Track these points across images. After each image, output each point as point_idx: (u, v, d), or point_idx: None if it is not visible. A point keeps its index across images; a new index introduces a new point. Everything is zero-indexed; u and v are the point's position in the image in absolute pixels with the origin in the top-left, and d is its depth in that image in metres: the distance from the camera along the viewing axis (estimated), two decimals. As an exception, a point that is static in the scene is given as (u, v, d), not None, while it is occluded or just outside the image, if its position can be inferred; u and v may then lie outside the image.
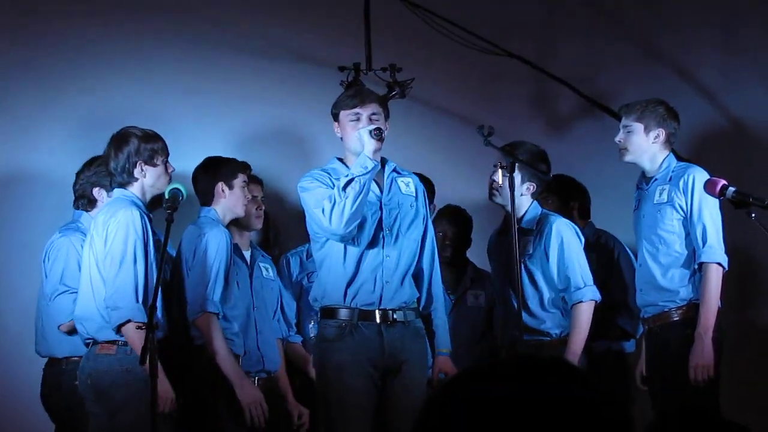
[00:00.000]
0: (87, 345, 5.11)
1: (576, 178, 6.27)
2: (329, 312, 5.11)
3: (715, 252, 5.30)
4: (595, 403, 1.81)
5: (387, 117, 5.17)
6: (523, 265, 5.37)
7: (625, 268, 6.04)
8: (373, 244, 5.11)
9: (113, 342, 5.00)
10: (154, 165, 5.19)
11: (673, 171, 5.44)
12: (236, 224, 5.61)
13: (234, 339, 5.35)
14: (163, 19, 6.41)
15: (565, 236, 5.46)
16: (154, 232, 5.14)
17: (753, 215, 5.03)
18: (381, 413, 5.08)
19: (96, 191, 5.56)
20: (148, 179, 5.18)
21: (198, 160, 5.67)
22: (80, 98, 6.25)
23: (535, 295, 5.46)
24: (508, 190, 5.34)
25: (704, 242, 5.30)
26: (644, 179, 5.53)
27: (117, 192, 5.20)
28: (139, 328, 4.86)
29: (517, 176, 5.34)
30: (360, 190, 4.95)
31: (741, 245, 6.14)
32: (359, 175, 4.96)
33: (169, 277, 5.40)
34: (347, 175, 5.00)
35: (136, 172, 5.17)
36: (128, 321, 4.92)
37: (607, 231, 6.19)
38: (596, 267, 5.82)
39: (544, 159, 5.55)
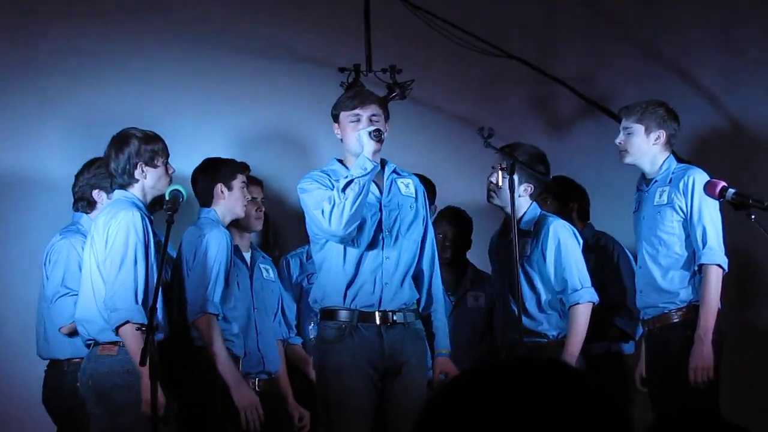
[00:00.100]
0: (88, 347, 5.11)
1: (575, 180, 6.27)
2: (329, 313, 5.11)
3: (715, 254, 5.30)
4: (594, 405, 1.81)
5: (387, 118, 5.17)
6: (520, 267, 5.37)
7: (624, 269, 6.04)
8: (372, 245, 5.10)
9: (114, 343, 5.00)
10: (155, 166, 5.19)
11: (673, 172, 5.44)
12: (236, 226, 5.61)
13: (234, 340, 5.35)
14: (162, 20, 6.41)
15: (562, 238, 5.46)
16: (154, 233, 5.14)
17: (753, 217, 5.03)
18: (381, 415, 5.08)
19: (95, 193, 5.56)
20: (148, 180, 5.18)
21: (198, 161, 5.67)
22: (80, 99, 6.25)
23: (533, 296, 5.46)
24: (506, 191, 5.34)
25: (704, 244, 5.30)
26: (644, 181, 5.53)
27: (117, 193, 5.20)
28: (138, 329, 4.85)
29: (515, 177, 5.34)
30: (359, 191, 4.95)
31: (741, 247, 6.14)
32: (359, 177, 4.95)
33: (169, 279, 5.40)
34: (347, 177, 5.00)
35: (137, 174, 5.16)
36: (127, 322, 4.92)
37: (606, 233, 6.19)
38: (595, 269, 5.82)
39: (542, 160, 5.55)
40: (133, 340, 4.87)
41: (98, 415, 5.04)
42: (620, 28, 6.93)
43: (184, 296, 5.29)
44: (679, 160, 5.55)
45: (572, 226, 5.61)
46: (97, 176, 5.52)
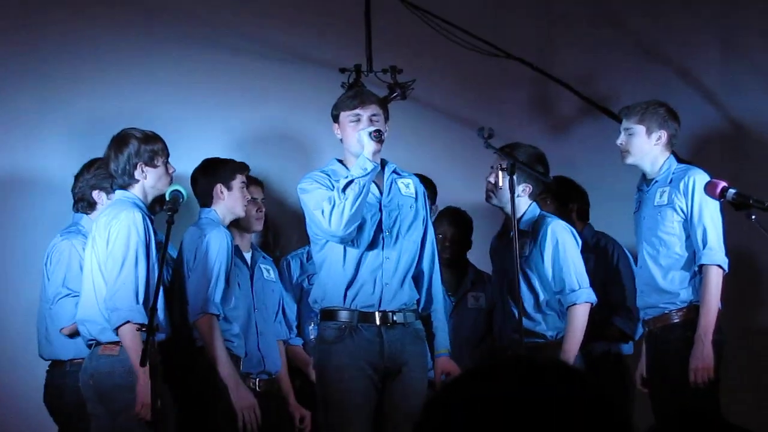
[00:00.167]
0: (89, 347, 5.11)
1: (575, 180, 6.27)
2: (329, 314, 5.11)
3: (716, 254, 5.30)
4: (594, 405, 1.81)
5: (387, 119, 5.17)
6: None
7: (624, 270, 6.04)
8: (372, 245, 5.10)
9: (116, 343, 5.00)
10: (155, 166, 5.19)
11: (673, 173, 5.44)
12: (236, 226, 5.61)
13: (234, 340, 5.34)
14: (163, 21, 6.40)
15: (560, 238, 5.46)
16: (155, 233, 5.15)
17: (753, 217, 5.03)
18: (381, 415, 5.08)
19: (95, 194, 5.56)
20: (148, 180, 5.18)
21: (199, 162, 5.67)
22: (80, 100, 6.25)
23: (531, 297, 5.46)
24: (506, 191, 5.35)
25: (704, 244, 5.30)
26: (645, 181, 5.53)
27: (119, 193, 5.20)
28: (139, 330, 4.85)
29: (514, 177, 5.34)
30: (360, 191, 4.95)
31: (741, 247, 6.13)
32: (359, 177, 4.95)
33: (170, 279, 5.40)
34: (347, 177, 5.00)
35: (137, 174, 5.16)
36: (127, 322, 4.92)
37: (605, 233, 6.19)
38: (595, 269, 5.83)
39: (541, 160, 5.55)
40: (132, 340, 4.88)
41: (99, 415, 5.04)
42: (620, 29, 6.92)
43: (185, 297, 5.29)
44: (679, 160, 5.55)
45: (571, 227, 5.60)
46: (97, 177, 5.52)
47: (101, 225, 5.09)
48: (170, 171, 5.23)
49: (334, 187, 5.04)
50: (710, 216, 5.32)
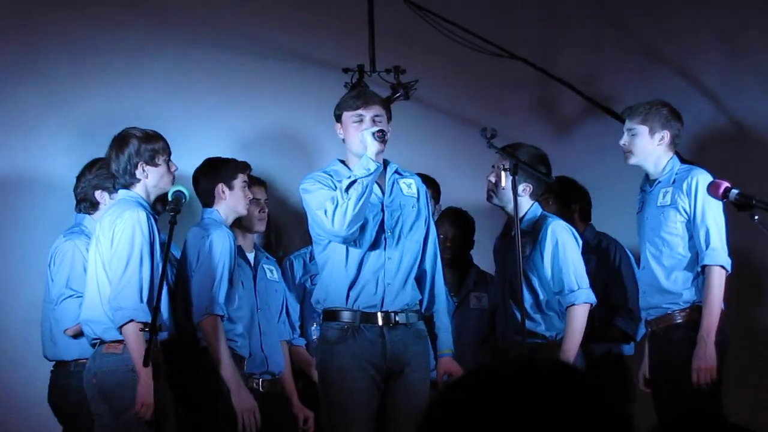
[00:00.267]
0: (93, 346, 5.11)
1: (578, 181, 6.27)
2: (331, 314, 5.10)
3: (719, 255, 5.30)
4: (596, 406, 1.82)
5: (390, 119, 5.17)
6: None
7: (626, 271, 6.04)
8: (375, 246, 5.10)
9: (120, 342, 5.00)
10: (156, 165, 5.19)
11: (676, 173, 5.43)
12: (239, 226, 5.61)
13: (238, 340, 5.34)
14: (164, 21, 6.40)
15: (560, 238, 5.46)
16: (159, 232, 5.15)
17: (756, 217, 5.03)
18: (383, 416, 5.07)
19: (98, 194, 5.56)
20: (150, 180, 5.18)
21: (200, 162, 5.67)
22: (81, 100, 6.24)
23: (531, 297, 5.45)
24: (508, 191, 5.36)
25: (707, 245, 5.30)
26: (648, 181, 5.53)
27: (122, 193, 5.20)
28: (141, 329, 4.85)
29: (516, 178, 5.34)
30: (363, 191, 4.94)
31: (744, 247, 6.13)
32: (362, 177, 4.95)
33: (173, 279, 5.40)
34: (350, 177, 4.99)
35: (138, 173, 5.16)
36: (131, 321, 4.92)
37: (607, 234, 6.18)
38: (597, 270, 5.82)
39: (543, 161, 5.55)
40: (135, 339, 4.88)
41: (102, 414, 5.04)
42: (623, 29, 6.92)
43: (189, 297, 5.28)
44: (682, 160, 5.55)
45: (572, 227, 5.60)
46: (99, 177, 5.52)
47: (105, 225, 5.09)
48: (172, 169, 5.23)
49: (336, 187, 5.03)
50: (713, 216, 5.32)
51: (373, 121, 5.09)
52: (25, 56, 6.24)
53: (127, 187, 5.18)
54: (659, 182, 5.46)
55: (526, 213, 5.52)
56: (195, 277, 5.29)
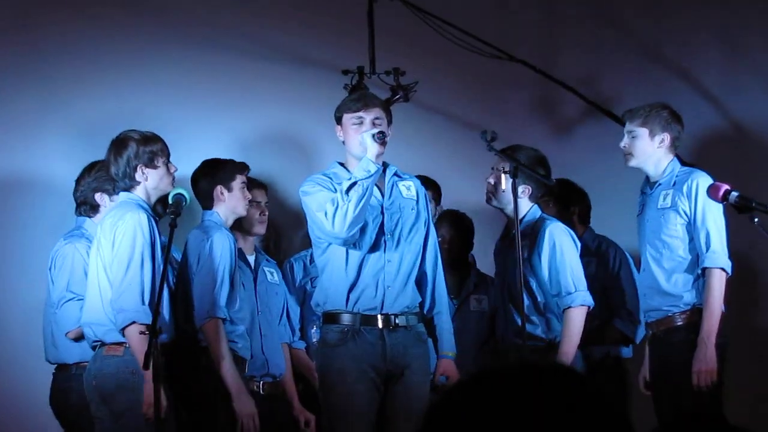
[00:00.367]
0: (94, 348, 5.11)
1: (577, 183, 6.26)
2: (331, 317, 5.10)
3: (719, 257, 5.30)
4: (596, 409, 1.82)
5: (390, 122, 5.17)
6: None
7: (625, 274, 6.03)
8: (374, 248, 5.10)
9: (120, 344, 5.00)
10: (155, 167, 5.19)
11: (677, 176, 5.43)
12: (239, 229, 5.61)
13: (239, 341, 5.33)
14: (165, 23, 6.40)
15: (557, 240, 5.45)
16: (159, 235, 5.15)
17: (756, 220, 5.02)
18: (383, 418, 5.07)
19: (98, 196, 5.55)
20: (150, 182, 5.18)
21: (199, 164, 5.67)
22: (81, 101, 6.24)
23: (529, 299, 5.45)
24: (506, 193, 5.36)
25: (708, 247, 5.30)
26: (648, 184, 5.53)
27: (122, 195, 5.20)
28: (142, 333, 4.84)
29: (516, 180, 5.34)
30: (363, 193, 4.94)
31: (744, 250, 6.13)
32: (362, 179, 4.95)
33: (174, 282, 5.40)
34: (350, 179, 4.99)
35: (138, 176, 5.16)
36: (133, 323, 4.92)
37: (606, 237, 6.18)
38: (596, 273, 5.82)
39: (542, 163, 5.55)
40: (138, 341, 4.87)
41: (102, 417, 5.04)
42: (622, 31, 6.92)
43: (191, 300, 5.28)
44: (682, 163, 5.55)
45: (570, 229, 5.60)
46: (98, 179, 5.52)
47: (106, 227, 5.08)
48: (171, 171, 5.23)
49: (336, 189, 5.03)
50: (713, 219, 5.32)
51: (373, 123, 5.09)
52: (25, 57, 6.24)
53: (127, 189, 5.18)
54: (659, 185, 5.46)
55: (525, 215, 5.52)
56: (196, 279, 5.28)
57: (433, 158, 6.51)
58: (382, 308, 5.07)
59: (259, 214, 5.68)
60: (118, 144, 5.20)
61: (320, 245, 5.14)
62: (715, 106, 6.83)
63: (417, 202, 5.24)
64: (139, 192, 5.17)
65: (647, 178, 5.54)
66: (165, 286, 4.90)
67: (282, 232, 6.34)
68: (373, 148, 5.00)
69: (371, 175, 4.96)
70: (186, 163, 5.60)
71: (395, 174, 5.25)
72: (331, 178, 5.13)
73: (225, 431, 5.22)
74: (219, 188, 5.50)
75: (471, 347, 5.89)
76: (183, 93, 6.37)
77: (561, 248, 5.44)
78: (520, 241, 5.22)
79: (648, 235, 5.47)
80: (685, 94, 6.72)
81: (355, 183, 4.95)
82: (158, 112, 6.17)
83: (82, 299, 5.24)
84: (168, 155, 5.24)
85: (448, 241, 6.09)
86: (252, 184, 5.66)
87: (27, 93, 6.21)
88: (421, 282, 5.23)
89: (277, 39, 6.54)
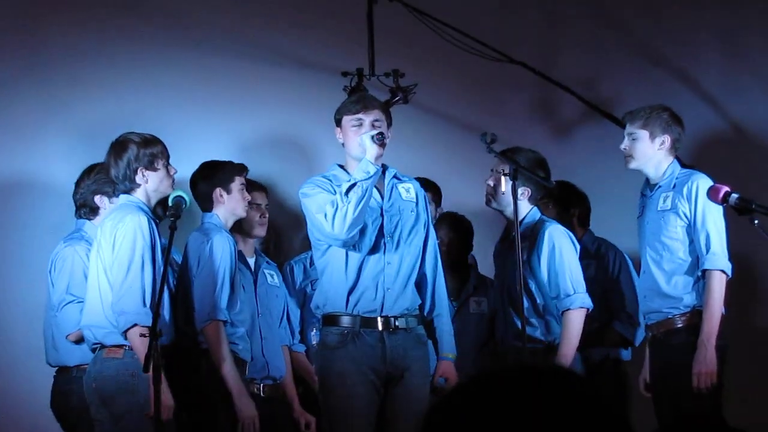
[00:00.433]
0: (94, 351, 5.11)
1: (577, 185, 6.26)
2: (331, 319, 5.10)
3: (719, 259, 5.30)
4: (596, 412, 1.82)
5: (390, 124, 5.17)
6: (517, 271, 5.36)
7: (624, 276, 6.03)
8: (374, 250, 5.10)
9: (120, 346, 5.01)
10: (155, 169, 5.19)
11: (677, 178, 5.43)
12: (240, 231, 5.61)
13: (240, 343, 5.33)
14: (164, 26, 6.40)
15: (557, 242, 5.45)
16: (160, 237, 5.15)
17: (756, 222, 5.02)
18: (383, 420, 5.07)
19: (98, 199, 5.55)
20: (150, 184, 5.18)
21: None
22: (81, 103, 6.24)
23: (528, 301, 5.45)
24: (505, 196, 5.36)
25: (708, 249, 5.30)
26: (648, 186, 5.53)
27: (123, 198, 5.20)
28: (143, 335, 4.84)
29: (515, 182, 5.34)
30: (362, 194, 4.94)
31: (744, 252, 6.13)
32: (362, 180, 4.95)
33: (175, 284, 5.40)
34: (349, 180, 4.99)
35: (138, 179, 5.16)
36: (134, 325, 4.92)
37: (606, 239, 6.18)
38: (596, 276, 5.82)
39: (542, 165, 5.55)
40: (140, 343, 4.87)
41: (102, 420, 5.04)
42: (622, 33, 6.92)
43: (191, 303, 5.28)
44: (683, 165, 5.55)
45: (569, 232, 5.60)
46: (98, 182, 5.52)
47: (107, 230, 5.09)
48: (171, 173, 5.24)
49: (335, 191, 5.03)
50: (713, 221, 5.32)
51: (373, 125, 5.09)
52: (25, 59, 6.24)
53: (127, 192, 5.18)
54: (660, 187, 5.45)
55: (525, 217, 5.52)
56: (196, 282, 5.28)
57: (432, 160, 6.51)
58: (381, 310, 5.07)
59: (260, 217, 5.69)
60: (118, 146, 5.20)
61: (320, 247, 5.14)
62: (714, 108, 6.83)
63: (416, 204, 5.24)
64: (139, 194, 5.17)
65: (647, 180, 5.53)
66: (165, 288, 4.89)
67: (282, 235, 6.34)
68: (372, 149, 5.00)
69: (370, 177, 4.96)
70: (186, 166, 5.60)
71: (395, 176, 5.25)
72: (330, 180, 5.13)
73: (225, 430, 5.22)
74: (218, 190, 5.50)
75: (470, 349, 5.89)
76: (183, 95, 6.37)
77: (560, 250, 5.44)
78: (519, 244, 5.21)
79: (648, 237, 5.47)
80: (685, 95, 6.72)
81: (354, 184, 4.95)
82: (158, 115, 6.17)
83: (82, 302, 5.24)
84: (168, 157, 5.24)
85: (448, 243, 6.09)
86: (252, 186, 5.66)
87: (27, 95, 6.22)
88: (420, 284, 5.23)
89: (276, 41, 6.54)
